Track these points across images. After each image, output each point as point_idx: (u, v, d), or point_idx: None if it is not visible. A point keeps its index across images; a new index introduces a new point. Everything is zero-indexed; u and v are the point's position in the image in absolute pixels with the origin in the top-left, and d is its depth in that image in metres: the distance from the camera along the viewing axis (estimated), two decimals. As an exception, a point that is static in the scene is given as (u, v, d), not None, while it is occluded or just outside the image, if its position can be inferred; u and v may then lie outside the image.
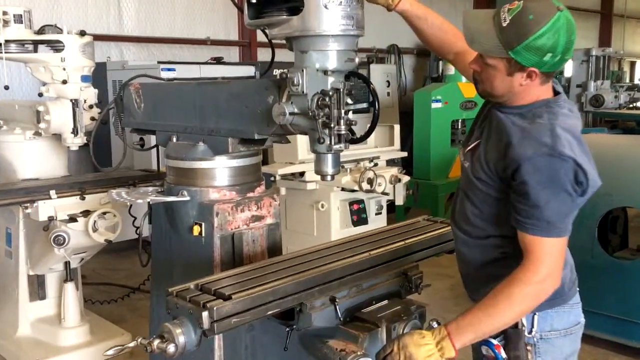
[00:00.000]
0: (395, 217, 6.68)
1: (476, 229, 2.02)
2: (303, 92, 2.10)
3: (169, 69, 6.23)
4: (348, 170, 5.20)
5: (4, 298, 4.22)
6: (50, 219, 3.57)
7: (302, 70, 2.09)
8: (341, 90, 2.12)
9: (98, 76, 4.50)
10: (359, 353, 1.93)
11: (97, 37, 7.98)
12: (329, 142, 2.14)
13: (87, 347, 3.98)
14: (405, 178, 5.43)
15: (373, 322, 2.02)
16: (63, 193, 3.64)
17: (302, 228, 5.41)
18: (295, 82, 2.10)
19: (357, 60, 2.18)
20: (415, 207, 6.44)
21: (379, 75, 8.22)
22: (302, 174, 5.18)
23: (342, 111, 2.12)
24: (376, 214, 5.47)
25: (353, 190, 5.10)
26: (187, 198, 2.51)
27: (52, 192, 3.59)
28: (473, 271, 2.10)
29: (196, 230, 2.48)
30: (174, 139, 2.62)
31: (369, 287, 2.16)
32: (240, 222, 2.53)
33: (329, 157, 2.21)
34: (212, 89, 2.49)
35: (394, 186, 5.48)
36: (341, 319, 2.01)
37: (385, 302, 2.19)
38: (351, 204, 5.19)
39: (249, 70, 7.28)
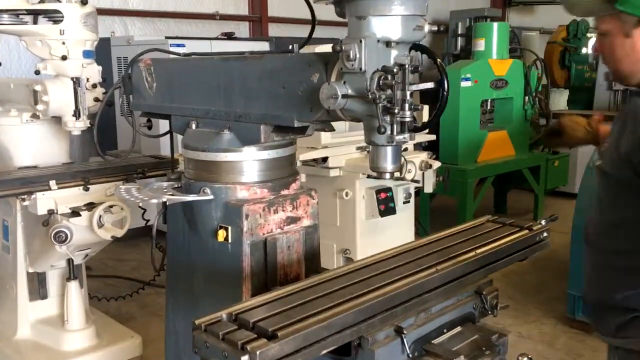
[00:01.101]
0: (420, 205, 6.25)
1: (610, 241, 1.73)
2: (361, 68, 1.67)
3: (178, 45, 5.78)
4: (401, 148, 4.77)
5: (2, 297, 3.84)
6: (51, 212, 3.17)
7: (360, 42, 1.65)
8: (406, 66, 1.68)
9: (101, 53, 4.06)
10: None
11: (100, 12, 7.51)
12: (390, 132, 1.72)
13: (93, 352, 3.61)
14: (437, 164, 5.00)
15: (448, 358, 1.61)
16: (64, 183, 3.24)
17: (324, 218, 4.94)
18: (351, 57, 1.66)
19: (427, 28, 1.74)
20: (443, 194, 6.02)
21: (399, 52, 7.73)
22: (324, 159, 4.75)
23: (408, 93, 1.70)
24: (404, 203, 5.05)
25: (380, 177, 4.67)
26: (211, 197, 2.09)
27: (52, 183, 3.18)
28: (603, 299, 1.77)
29: (221, 235, 2.07)
30: (194, 126, 2.20)
31: (438, 311, 1.75)
32: (273, 225, 2.12)
33: (389, 150, 1.79)
34: (241, 65, 2.06)
35: (423, 173, 5.06)
36: (410, 354, 1.60)
37: (459, 329, 1.79)
38: (378, 192, 4.76)
39: (263, 46, 6.82)
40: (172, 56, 2.49)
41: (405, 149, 4.87)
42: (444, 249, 1.95)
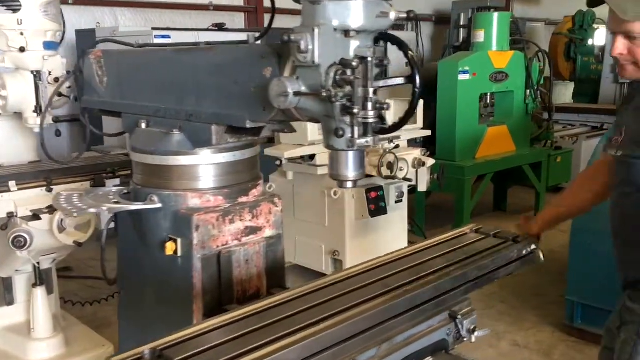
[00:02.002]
0: (416, 203, 6.03)
1: None
2: (314, 62, 1.44)
3: (163, 36, 5.55)
4: (365, 152, 4.54)
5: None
6: (10, 215, 2.97)
7: (313, 30, 1.43)
8: (369, 59, 1.46)
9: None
10: None
11: (89, 2, 7.39)
12: (350, 135, 1.50)
13: (61, 361, 3.41)
14: (430, 161, 4.76)
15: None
16: (25, 184, 3.03)
17: (312, 218, 4.78)
18: (302, 48, 1.44)
19: (393, 15, 1.51)
20: (439, 191, 5.78)
21: (397, 43, 7.48)
22: (312, 157, 4.52)
23: (371, 90, 1.47)
24: (396, 202, 4.82)
25: (370, 176, 4.45)
26: (158, 205, 1.87)
27: (12, 184, 2.98)
28: None
29: (170, 247, 1.85)
30: (143, 125, 1.97)
31: (405, 340, 1.53)
32: (229, 236, 1.90)
33: (350, 155, 1.56)
34: (191, 57, 1.84)
35: (416, 171, 4.82)
36: (367, 393, 1.38)
37: (429, 358, 1.57)
38: (368, 191, 4.53)
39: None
40: (126, 48, 2.27)
41: (397, 146, 4.65)
42: (418, 266, 1.73)
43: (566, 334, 3.92)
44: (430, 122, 6.33)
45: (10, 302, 3.54)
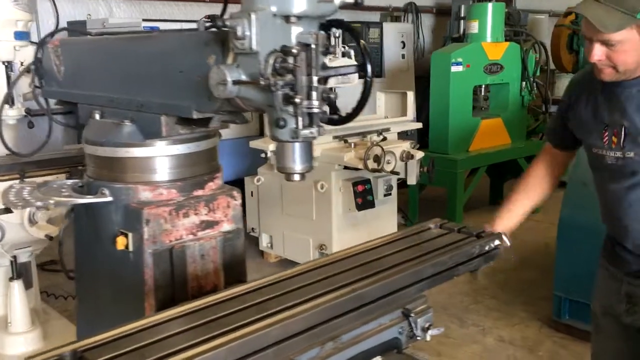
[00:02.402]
0: (408, 197, 5.96)
1: None
2: (251, 48, 1.38)
3: (152, 27, 5.49)
4: (352, 145, 4.48)
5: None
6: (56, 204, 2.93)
7: (250, 15, 1.36)
8: (313, 46, 1.39)
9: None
10: None
11: (83, -7, 7.33)
12: (295, 125, 1.43)
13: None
14: (419, 154, 4.69)
15: (355, 399, 1.34)
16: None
17: (299, 211, 4.73)
18: (239, 34, 1.37)
19: (337, 0, 1.44)
20: (429, 185, 5.72)
21: (392, 35, 7.40)
22: (298, 149, 4.46)
23: (315, 78, 1.40)
24: (385, 195, 4.76)
25: (358, 169, 4.38)
26: (109, 198, 1.82)
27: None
28: None
29: (121, 242, 1.80)
30: (97, 116, 1.92)
31: (351, 339, 1.47)
32: (183, 231, 1.84)
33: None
34: (139, 45, 1.78)
35: (405, 163, 4.75)
36: (305, 395, 1.33)
37: (378, 358, 1.51)
38: (355, 184, 4.48)
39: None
40: (83, 37, 2.21)
41: (384, 139, 4.58)
42: (371, 262, 1.67)
43: (554, 330, 3.84)
44: (426, 114, 6.28)
45: (-15, 296, 3.51)
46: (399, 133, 5.11)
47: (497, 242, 1.84)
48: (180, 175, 1.86)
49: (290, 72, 1.39)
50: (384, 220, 4.80)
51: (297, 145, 1.51)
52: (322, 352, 1.41)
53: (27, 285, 3.52)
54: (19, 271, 3.39)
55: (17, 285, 3.37)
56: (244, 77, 1.42)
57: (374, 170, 4.30)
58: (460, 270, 1.72)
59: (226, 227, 1.95)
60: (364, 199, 4.50)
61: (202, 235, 1.89)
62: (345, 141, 4.52)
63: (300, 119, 1.43)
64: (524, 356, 3.60)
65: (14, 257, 3.30)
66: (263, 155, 4.42)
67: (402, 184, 5.11)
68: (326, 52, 1.48)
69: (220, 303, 1.43)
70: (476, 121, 5.98)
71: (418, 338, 1.60)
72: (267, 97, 1.42)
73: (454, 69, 5.65)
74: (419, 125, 5.24)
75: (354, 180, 4.50)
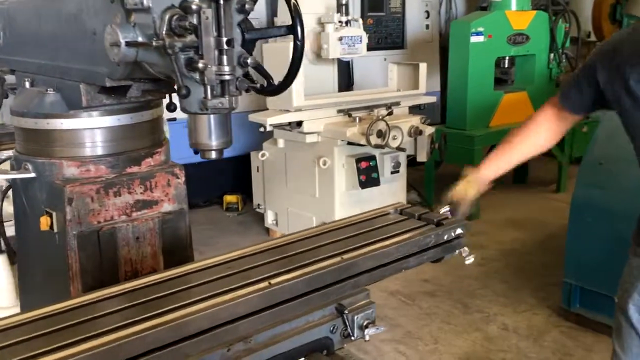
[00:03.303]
0: (424, 175, 5.71)
1: None
2: (142, 4, 1.18)
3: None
4: (357, 119, 4.25)
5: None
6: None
7: (140, -36, 1.17)
8: (221, 2, 1.19)
9: None
10: None
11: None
12: (202, 95, 1.25)
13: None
14: (429, 129, 4.44)
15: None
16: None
17: (303, 188, 4.55)
18: (129, -14, 1.18)
19: (247, -54, 1.24)
20: (448, 162, 5.45)
21: (416, 4, 7.05)
22: (299, 123, 4.27)
23: (224, 40, 1.21)
24: (392, 173, 4.53)
25: (362, 145, 4.17)
26: (32, 174, 1.67)
27: (-42, 148, 2.84)
28: None
29: (45, 222, 1.66)
30: (27, 84, 1.77)
31: (269, 339, 1.29)
32: (114, 211, 1.69)
33: (205, 119, 1.31)
34: (57, 5, 1.60)
35: (415, 139, 4.51)
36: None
37: (301, 361, 1.33)
38: (359, 161, 4.26)
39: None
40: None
41: (390, 113, 4.34)
42: (306, 252, 1.48)
43: (562, 319, 3.59)
44: (441, 87, 5.98)
45: (-26, 270, 3.46)
46: (411, 107, 4.86)
47: (459, 230, 1.62)
48: (110, 149, 1.69)
49: (193, 32, 1.19)
50: (390, 199, 4.54)
51: (212, 118, 1.32)
52: (229, 354, 1.23)
53: (12, 261, 3.46)
54: (6, 245, 3.33)
55: (2, 260, 3.32)
56: (140, 39, 1.23)
57: (377, 146, 4.08)
58: (411, 263, 1.51)
59: (167, 207, 1.79)
60: (368, 176, 4.29)
61: (137, 216, 1.73)
62: (350, 115, 4.30)
63: (207, 87, 1.23)
64: (527, 346, 3.37)
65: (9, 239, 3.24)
66: (262, 129, 4.24)
67: (417, 162, 4.87)
68: (242, 10, 1.27)
69: (107, 299, 1.26)
70: (498, 95, 5.65)
71: (355, 337, 1.41)
72: (169, 62, 1.23)
73: (473, 39, 5.33)
74: (432, 99, 4.97)
75: (358, 157, 4.28)
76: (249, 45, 1.35)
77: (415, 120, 4.45)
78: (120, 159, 1.71)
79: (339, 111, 4.36)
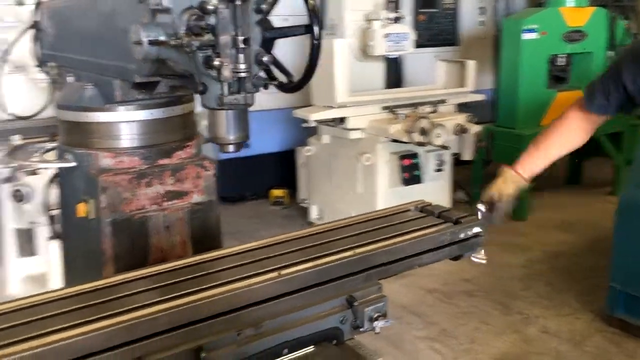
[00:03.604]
0: (472, 173, 5.64)
1: None
2: (160, 4, 1.26)
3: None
4: (402, 116, 4.25)
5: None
6: (14, 168, 3.02)
7: (161, -33, 1.24)
8: (238, 3, 1.25)
9: None
10: None
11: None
12: (218, 92, 1.31)
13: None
14: (475, 128, 4.40)
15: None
16: (30, 138, 3.07)
17: (346, 184, 4.59)
18: (152, -12, 1.26)
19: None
20: (496, 161, 5.37)
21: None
22: (343, 120, 4.31)
23: (241, 38, 1.27)
24: (436, 171, 4.52)
25: (404, 142, 4.17)
26: (72, 164, 1.79)
27: (16, 137, 3.02)
28: None
29: (82, 209, 1.77)
30: (69, 79, 1.88)
31: (280, 326, 1.35)
32: (145, 200, 1.78)
33: (229, 115, 1.38)
34: (94, 4, 1.70)
35: (462, 137, 4.47)
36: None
37: (311, 349, 1.38)
38: (402, 158, 4.27)
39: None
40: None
41: (434, 111, 4.32)
42: (322, 244, 1.53)
43: (606, 324, 3.51)
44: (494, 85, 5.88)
45: (30, 253, 3.67)
46: (458, 105, 4.82)
47: (476, 229, 1.63)
48: (143, 142, 1.78)
49: (210, 31, 1.26)
50: (433, 197, 4.50)
51: (230, 113, 1.38)
52: (239, 338, 1.29)
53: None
54: (57, 231, 3.52)
55: (56, 245, 3.50)
56: (161, 37, 1.31)
57: (420, 144, 4.08)
58: (426, 260, 1.54)
59: (196, 198, 1.87)
60: (410, 173, 4.30)
61: (168, 205, 1.81)
62: (393, 112, 4.31)
63: (224, 84, 1.30)
64: (568, 350, 3.31)
65: (52, 217, 3.42)
66: (304, 124, 4.31)
67: (464, 160, 4.83)
68: (259, 10, 1.33)
69: (135, 281, 1.35)
70: (551, 94, 5.52)
71: (365, 329, 1.44)
72: (189, 60, 1.30)
73: (526, 36, 5.23)
74: (480, 97, 4.91)
75: (401, 154, 4.29)
76: (268, 44, 1.40)
77: (461, 118, 4.42)
78: (152, 151, 1.79)
79: (384, 108, 4.38)
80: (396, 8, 4.61)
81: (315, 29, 1.39)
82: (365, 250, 1.45)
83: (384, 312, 1.47)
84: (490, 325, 3.60)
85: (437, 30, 6.70)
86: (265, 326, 1.33)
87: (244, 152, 4.98)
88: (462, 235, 1.60)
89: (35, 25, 2.21)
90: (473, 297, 3.96)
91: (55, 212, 3.39)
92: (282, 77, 1.52)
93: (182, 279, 1.34)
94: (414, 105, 4.45)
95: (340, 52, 4.07)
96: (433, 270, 4.28)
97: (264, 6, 1.32)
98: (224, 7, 1.25)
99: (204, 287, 1.29)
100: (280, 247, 1.51)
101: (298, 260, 1.40)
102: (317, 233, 1.60)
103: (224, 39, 1.26)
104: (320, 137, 4.66)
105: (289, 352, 1.35)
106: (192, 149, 1.89)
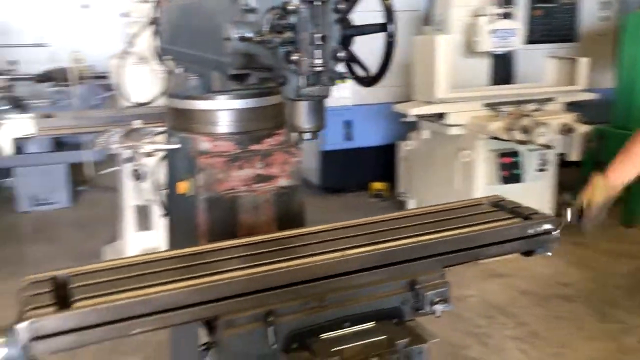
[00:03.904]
0: (580, 175, 5.41)
1: None
2: (248, 5, 1.41)
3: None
4: (504, 114, 4.20)
5: (121, 226, 4.26)
6: (133, 150, 3.37)
7: (249, -28, 1.39)
8: (317, 3, 1.38)
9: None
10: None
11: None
12: (297, 84, 1.45)
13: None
14: (583, 127, 4.24)
15: (320, 357, 1.35)
16: (149, 124, 3.40)
17: (444, 179, 4.60)
18: (241, -9, 1.41)
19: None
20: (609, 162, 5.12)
21: (593, -6, 6.65)
22: (442, 115, 4.33)
23: (318, 36, 1.39)
24: (538, 171, 4.41)
25: (504, 140, 4.12)
26: (177, 146, 2.00)
27: (137, 122, 3.36)
28: None
29: (182, 186, 1.98)
30: (177, 70, 2.10)
31: (343, 300, 1.47)
32: (237, 182, 1.96)
33: (303, 105, 1.51)
34: (198, 2, 1.89)
35: (569, 137, 4.33)
36: (273, 344, 1.36)
37: (371, 325, 1.48)
38: (501, 156, 4.22)
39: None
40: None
41: (537, 109, 4.22)
42: (392, 230, 1.63)
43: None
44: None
45: (146, 228, 4.05)
46: (567, 104, 4.66)
47: (547, 226, 1.65)
48: (237, 129, 1.96)
49: (291, 29, 1.39)
50: (535, 198, 4.43)
51: (307, 104, 1.51)
52: (305, 307, 1.43)
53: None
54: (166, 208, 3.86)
55: (167, 221, 3.84)
56: (247, 34, 1.46)
57: (520, 142, 4.01)
58: (491, 252, 1.59)
59: (282, 182, 2.02)
60: (510, 172, 4.23)
61: (256, 188, 1.98)
62: (495, 109, 4.26)
63: (302, 77, 1.43)
64: None
65: (162, 195, 3.75)
66: (403, 119, 4.37)
67: (568, 160, 4.67)
68: (338, 10, 1.44)
69: (227, 249, 1.53)
70: (674, 95, 5.17)
71: (425, 311, 1.52)
72: (270, 55, 1.45)
73: (647, 32, 4.94)
74: (592, 95, 4.71)
75: (501, 152, 4.24)
76: (347, 41, 1.52)
77: (568, 117, 4.28)
78: (245, 137, 1.97)
79: (486, 105, 4.34)
80: (507, 3, 4.53)
81: (390, 26, 1.48)
82: (429, 238, 1.53)
83: (445, 297, 1.53)
84: (585, 331, 3.50)
85: (553, 25, 6.47)
86: (329, 299, 1.45)
87: (347, 145, 5.24)
88: (531, 231, 1.63)
89: (154, 21, 2.46)
90: (570, 302, 3.85)
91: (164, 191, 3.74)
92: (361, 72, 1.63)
93: (262, 251, 1.50)
94: (519, 102, 4.37)
95: (442, 47, 4.10)
96: (531, 272, 4.21)
97: (342, 6, 1.43)
98: (304, 7, 1.38)
99: (279, 259, 1.44)
100: (354, 230, 1.64)
101: (364, 243, 1.51)
102: (391, 219, 1.70)
103: (303, 36, 1.39)
104: (421, 132, 4.70)
105: (351, 326, 1.46)
106: (280, 136, 2.05)
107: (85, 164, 5.69)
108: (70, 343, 1.22)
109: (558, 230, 1.68)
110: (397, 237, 1.56)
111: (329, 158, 5.73)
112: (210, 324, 1.41)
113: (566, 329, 3.53)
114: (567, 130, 4.18)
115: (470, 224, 1.62)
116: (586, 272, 4.26)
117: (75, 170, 5.99)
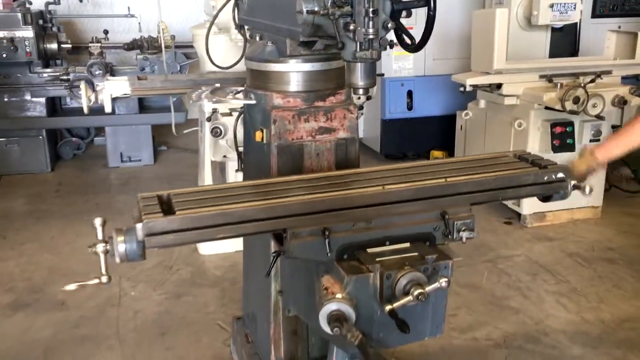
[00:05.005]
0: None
1: None
2: (313, -17, 1.76)
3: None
4: (558, 85, 4.38)
5: (199, 181, 4.75)
6: (214, 110, 3.81)
7: (317, -45, 1.74)
8: (371, -17, 1.72)
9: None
10: (337, 296, 1.69)
11: None
12: (353, 48, 1.80)
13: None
14: (636, 100, 4.37)
15: (366, 265, 1.72)
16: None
17: (498, 147, 4.82)
18: (310, -29, 1.77)
19: None
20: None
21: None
22: (499, 86, 4.55)
23: (370, 10, 1.74)
24: (591, 141, 4.57)
25: (556, 109, 4.31)
26: (253, 101, 2.40)
27: (218, 84, 3.79)
28: None
29: (258, 135, 2.37)
30: (257, 38, 2.49)
31: (387, 224, 1.83)
32: (303, 132, 2.34)
33: (358, 66, 1.86)
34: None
35: (622, 109, 4.48)
36: (328, 253, 1.74)
37: (406, 245, 1.84)
38: (554, 125, 4.41)
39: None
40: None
41: (592, 81, 4.37)
42: (427, 173, 1.97)
43: None
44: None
45: (223, 182, 4.51)
46: (624, 77, 4.77)
47: (560, 174, 1.94)
48: (305, 88, 2.33)
49: (349, 3, 1.74)
50: (586, 166, 4.63)
51: (360, 65, 1.86)
52: (354, 228, 1.80)
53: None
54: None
55: (240, 176, 4.29)
56: (316, 8, 1.81)
57: (572, 112, 4.20)
58: (509, 194, 1.90)
59: (342, 134, 2.39)
60: (562, 141, 4.42)
61: (319, 138, 2.36)
62: (550, 81, 4.45)
63: (357, 43, 1.78)
64: None
65: (239, 152, 4.20)
66: (462, 89, 4.62)
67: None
68: (389, -12, 1.78)
69: (298, 181, 1.93)
70: None
71: (452, 237, 1.86)
72: (333, 25, 1.80)
73: None
74: (647, 69, 4.80)
75: (554, 122, 4.43)
76: (397, 13, 1.85)
77: (623, 90, 4.41)
78: (311, 95, 2.34)
79: (542, 76, 4.53)
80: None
81: (431, 2, 1.80)
82: (457, 180, 1.87)
83: (471, 227, 1.87)
84: (623, 290, 3.72)
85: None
86: (374, 223, 1.81)
87: (409, 114, 5.61)
88: (545, 178, 1.93)
89: (236, -5, 2.85)
90: (613, 264, 4.06)
91: (240, 149, 4.17)
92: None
93: (322, 183, 1.88)
94: (575, 75, 4.53)
95: (500, 20, 4.31)
96: (579, 236, 4.43)
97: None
98: (357, -15, 1.72)
99: (334, 189, 1.81)
100: (398, 171, 1.99)
101: (403, 181, 1.87)
102: (429, 164, 2.05)
103: (359, 9, 1.74)
104: (478, 102, 4.94)
105: (391, 244, 1.82)
106: (341, 95, 2.41)
107: (168, 126, 6.25)
108: (173, 240, 1.64)
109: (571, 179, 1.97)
110: (431, 177, 1.90)
111: (390, 126, 6.04)
112: (278, 238, 1.81)
113: (605, 287, 3.76)
114: (621, 102, 4.33)
115: (494, 170, 1.94)
116: (633, 239, 4.43)
117: (156, 131, 6.58)
